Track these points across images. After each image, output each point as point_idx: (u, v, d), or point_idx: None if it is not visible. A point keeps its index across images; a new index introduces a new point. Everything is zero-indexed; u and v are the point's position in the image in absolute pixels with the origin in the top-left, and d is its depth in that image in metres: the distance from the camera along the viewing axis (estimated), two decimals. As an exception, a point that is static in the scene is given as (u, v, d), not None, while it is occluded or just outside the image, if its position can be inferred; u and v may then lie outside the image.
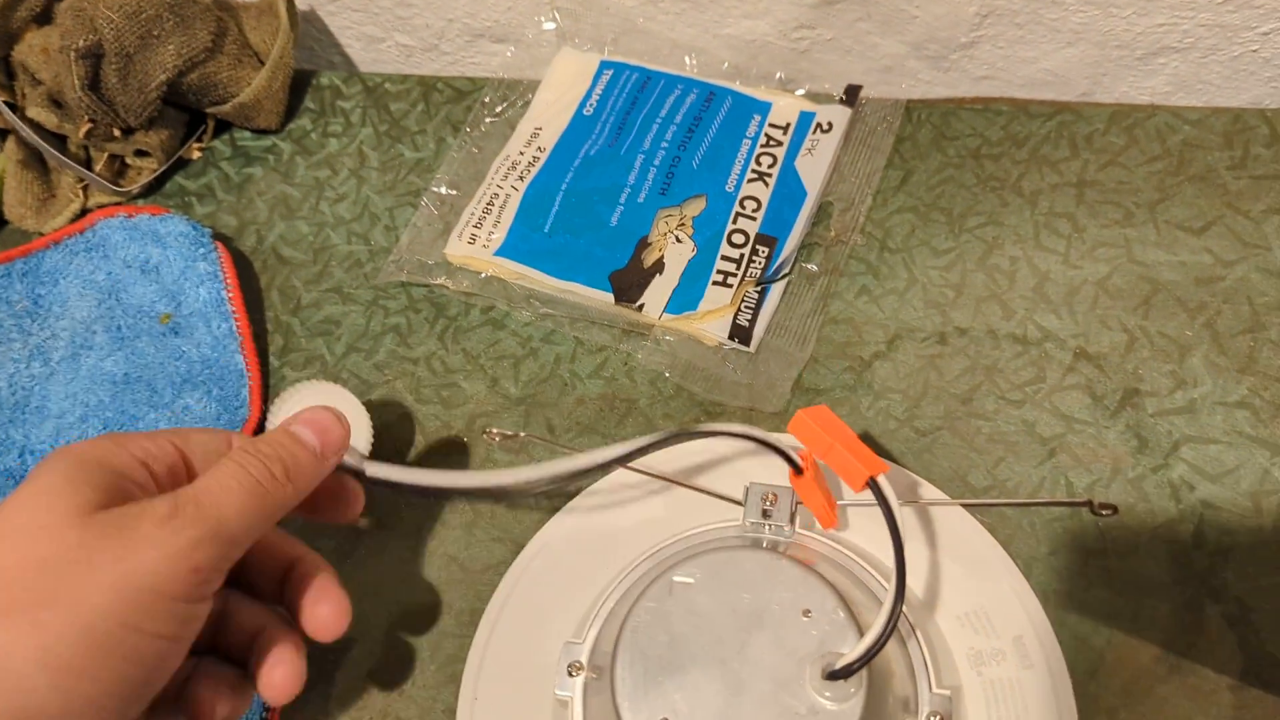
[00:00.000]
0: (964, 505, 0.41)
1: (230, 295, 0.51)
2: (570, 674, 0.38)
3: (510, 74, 0.57)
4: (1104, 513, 0.38)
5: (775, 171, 0.50)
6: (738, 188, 0.50)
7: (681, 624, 0.35)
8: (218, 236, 0.53)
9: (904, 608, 0.34)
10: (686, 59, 0.55)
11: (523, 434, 0.42)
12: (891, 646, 0.36)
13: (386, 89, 0.58)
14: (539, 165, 0.53)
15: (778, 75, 0.55)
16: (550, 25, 0.57)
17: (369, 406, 0.46)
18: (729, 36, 0.57)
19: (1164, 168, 0.49)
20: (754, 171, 0.51)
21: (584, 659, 0.38)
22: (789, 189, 0.50)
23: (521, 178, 0.52)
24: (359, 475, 0.35)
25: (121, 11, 0.52)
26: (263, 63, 0.57)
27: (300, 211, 0.55)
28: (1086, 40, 0.53)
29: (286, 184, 0.56)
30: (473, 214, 0.52)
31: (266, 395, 0.50)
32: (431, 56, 0.62)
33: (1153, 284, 0.46)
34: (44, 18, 0.55)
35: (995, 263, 0.48)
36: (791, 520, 0.39)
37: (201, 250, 0.52)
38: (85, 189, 0.57)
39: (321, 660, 0.43)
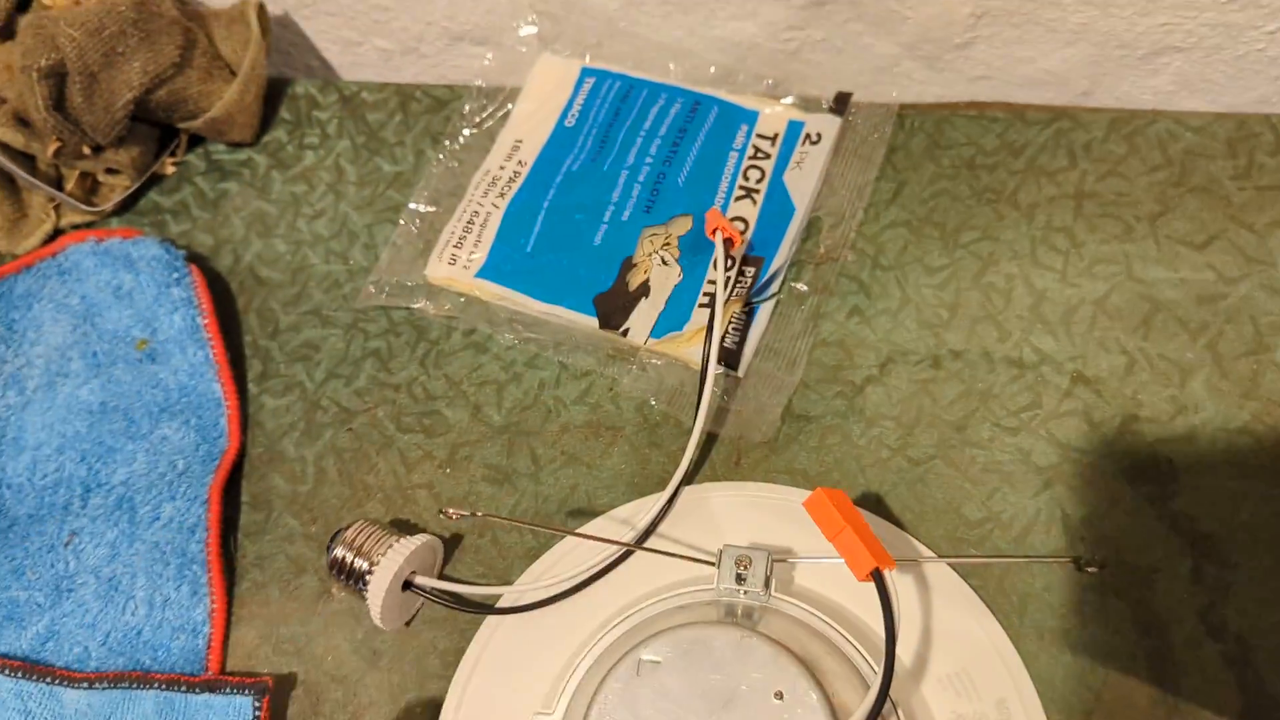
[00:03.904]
0: (948, 562, 0.40)
1: (205, 321, 0.50)
2: None
3: (490, 81, 0.55)
4: (1090, 570, 0.37)
5: (763, 188, 0.49)
6: (724, 207, 0.49)
7: (649, 706, 0.34)
8: (192, 257, 0.52)
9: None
10: (671, 64, 0.54)
11: (479, 513, 0.41)
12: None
13: (363, 98, 0.57)
14: (520, 181, 0.51)
15: (766, 81, 0.53)
16: (530, 29, 0.55)
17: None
18: (716, 38, 0.55)
19: (1165, 178, 0.47)
20: (741, 188, 0.49)
21: None
22: (777, 205, 0.48)
23: (502, 194, 0.51)
24: None
25: (83, 29, 0.50)
26: (234, 74, 0.55)
27: (277, 229, 0.54)
28: (1086, 40, 0.51)
29: (263, 200, 0.55)
30: (453, 233, 0.50)
31: (245, 424, 0.49)
32: (411, 60, 0.60)
33: (1153, 303, 0.45)
34: (6, 33, 0.54)
35: (991, 280, 0.46)
36: (766, 585, 0.38)
37: (175, 275, 0.51)
38: (57, 208, 0.55)
39: (304, 705, 0.42)
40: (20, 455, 0.49)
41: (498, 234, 0.50)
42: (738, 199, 0.49)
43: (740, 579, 0.38)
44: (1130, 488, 0.41)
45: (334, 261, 0.52)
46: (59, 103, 0.51)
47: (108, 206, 0.55)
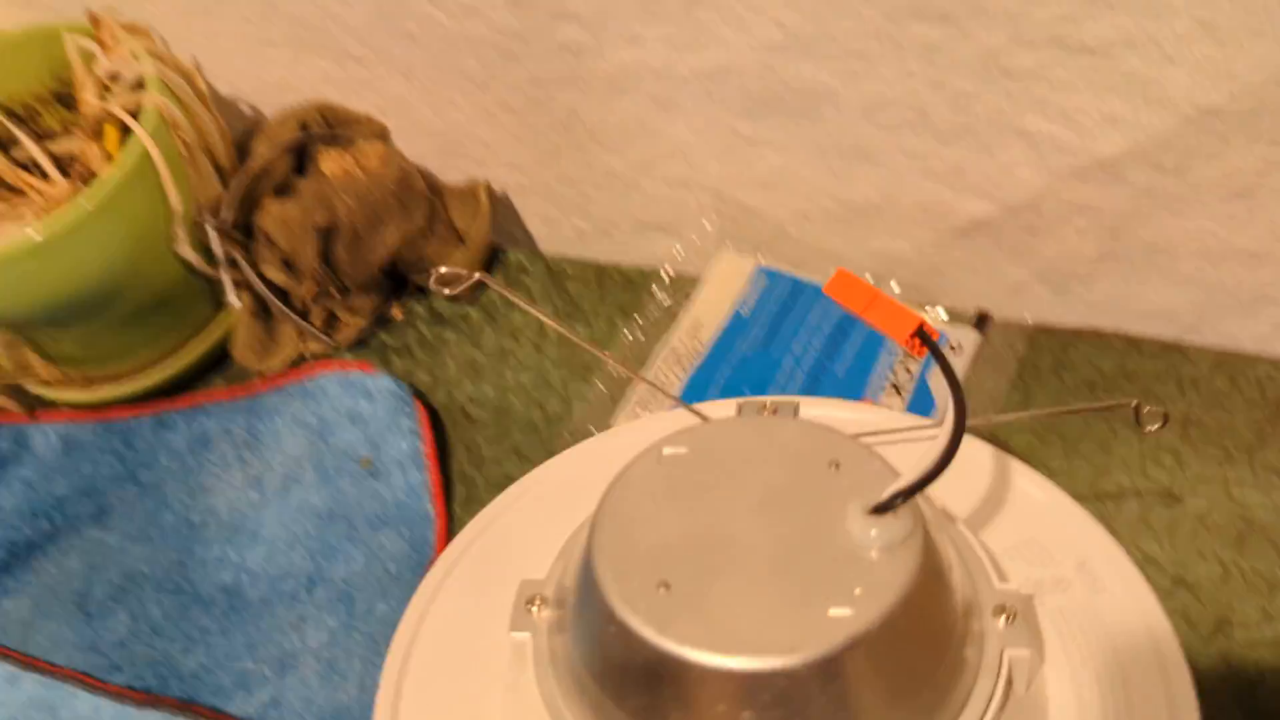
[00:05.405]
0: (991, 420, 0.40)
1: (426, 449, 0.59)
2: (529, 610, 0.32)
3: (676, 268, 0.65)
4: (1149, 420, 0.36)
5: (910, 385, 0.57)
6: (876, 399, 0.57)
7: (672, 494, 0.29)
8: (415, 394, 0.62)
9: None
10: (831, 269, 0.63)
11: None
12: (946, 545, 0.30)
13: (565, 270, 0.67)
14: (699, 359, 0.60)
15: (912, 288, 0.62)
16: (711, 227, 0.65)
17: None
18: (872, 250, 0.64)
19: (1262, 415, 0.55)
20: (891, 385, 0.57)
21: (546, 593, 0.32)
22: (920, 402, 0.57)
23: (684, 368, 0.60)
24: None
25: (356, 198, 0.61)
26: (462, 239, 0.66)
27: (486, 376, 0.63)
28: (1195, 285, 0.59)
29: (475, 349, 0.64)
30: (639, 397, 0.59)
31: (449, 539, 0.57)
32: (603, 240, 0.71)
33: (1247, 522, 0.52)
34: (281, 190, 0.65)
35: (1103, 487, 0.54)
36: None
37: (405, 407, 0.60)
38: (302, 337, 0.65)
39: None
40: (257, 546, 0.58)
41: (678, 401, 0.59)
42: (886, 394, 0.57)
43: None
44: (1220, 682, 0.48)
45: (533, 409, 0.61)
46: (325, 255, 0.62)
47: (344, 341, 0.65)
